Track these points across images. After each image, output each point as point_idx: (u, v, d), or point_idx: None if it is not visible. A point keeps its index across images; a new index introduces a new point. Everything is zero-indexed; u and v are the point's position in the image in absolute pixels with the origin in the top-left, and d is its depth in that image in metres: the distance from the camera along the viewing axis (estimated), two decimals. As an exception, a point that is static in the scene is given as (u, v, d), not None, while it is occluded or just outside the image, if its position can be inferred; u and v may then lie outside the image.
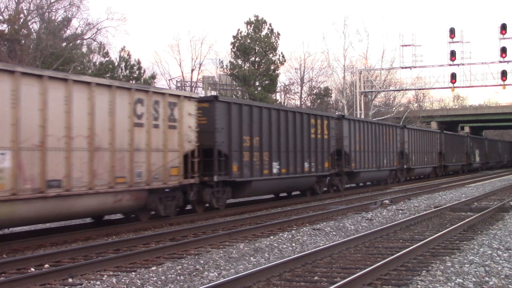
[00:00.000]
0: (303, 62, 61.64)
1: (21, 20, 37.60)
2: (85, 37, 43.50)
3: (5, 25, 36.53)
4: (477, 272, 9.16)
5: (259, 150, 20.05)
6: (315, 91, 63.05)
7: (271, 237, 13.18)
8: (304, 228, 14.57)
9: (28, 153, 11.97)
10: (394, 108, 60.83)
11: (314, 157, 23.75)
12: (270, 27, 51.60)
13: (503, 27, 39.54)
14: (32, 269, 9.94)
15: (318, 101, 62.35)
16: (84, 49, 43.61)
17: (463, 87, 43.84)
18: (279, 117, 21.39)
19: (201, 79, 54.54)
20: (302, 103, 61.27)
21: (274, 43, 51.43)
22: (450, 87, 43.41)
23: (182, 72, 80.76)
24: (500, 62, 40.71)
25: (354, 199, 23.91)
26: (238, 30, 51.56)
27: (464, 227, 14.16)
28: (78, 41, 43.15)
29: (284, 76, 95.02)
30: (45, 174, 12.26)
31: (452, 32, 40.79)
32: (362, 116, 45.36)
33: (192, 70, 55.64)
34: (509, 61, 40.64)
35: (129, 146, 14.46)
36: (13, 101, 11.73)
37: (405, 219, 15.58)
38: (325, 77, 66.45)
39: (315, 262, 10.04)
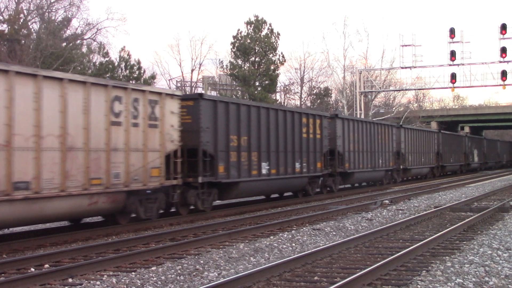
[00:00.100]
0: (303, 62, 61.74)
1: (21, 20, 37.58)
2: (85, 37, 43.55)
3: (5, 25, 36.53)
4: (477, 272, 9.17)
5: (247, 150, 19.46)
6: (315, 91, 63.05)
7: (271, 237, 13.19)
8: (304, 228, 14.57)
9: None
10: (394, 108, 60.88)
11: (306, 157, 23.16)
12: (270, 27, 51.57)
13: (503, 27, 39.57)
14: (32, 269, 9.94)
15: (318, 101, 62.33)
16: (84, 49, 43.57)
17: (463, 87, 43.89)
18: (268, 116, 20.72)
19: (201, 79, 54.56)
20: (302, 103, 61.25)
21: (274, 43, 51.39)
22: (450, 87, 43.44)
23: (182, 72, 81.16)
24: (500, 62, 40.74)
25: (354, 199, 23.88)
26: (238, 30, 51.55)
27: (464, 227, 14.16)
28: (78, 41, 43.15)
29: (284, 76, 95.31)
30: (12, 175, 11.54)
31: (452, 32, 40.81)
32: (362, 116, 45.33)
33: (192, 70, 55.68)
34: (509, 61, 40.69)
35: (105, 145, 13.78)
36: (-25, 98, 11.08)
37: (405, 219, 15.58)
38: (325, 77, 66.62)
39: (315, 262, 10.05)
